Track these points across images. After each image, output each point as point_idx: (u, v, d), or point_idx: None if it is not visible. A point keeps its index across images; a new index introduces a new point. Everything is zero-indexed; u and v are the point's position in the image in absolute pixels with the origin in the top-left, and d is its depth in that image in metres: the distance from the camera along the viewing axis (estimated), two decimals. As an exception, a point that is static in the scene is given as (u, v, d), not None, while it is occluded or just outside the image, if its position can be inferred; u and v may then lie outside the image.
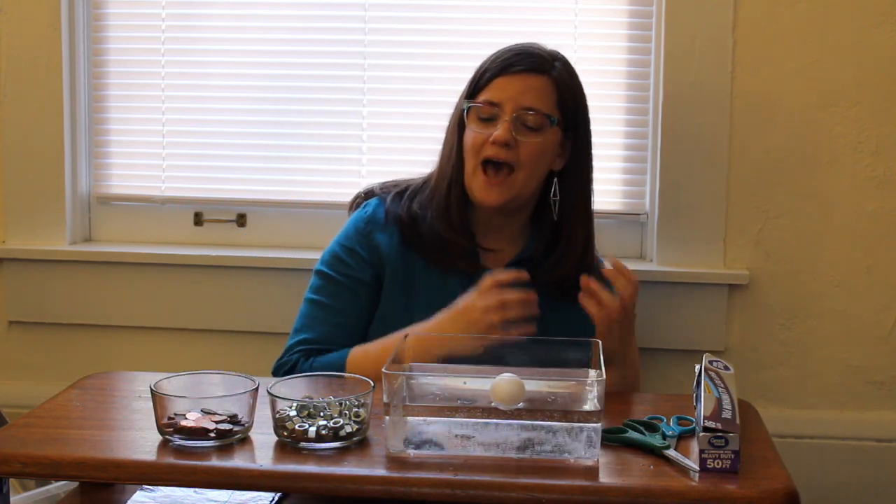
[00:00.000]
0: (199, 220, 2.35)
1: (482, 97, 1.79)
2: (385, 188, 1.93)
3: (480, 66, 1.83)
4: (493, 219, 1.85)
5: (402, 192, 1.89)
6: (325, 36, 2.28)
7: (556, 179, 1.83)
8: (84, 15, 2.31)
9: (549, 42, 2.21)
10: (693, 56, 2.13)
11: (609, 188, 2.25)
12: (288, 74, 2.29)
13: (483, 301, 1.68)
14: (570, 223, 1.84)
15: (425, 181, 1.89)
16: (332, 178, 2.28)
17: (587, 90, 2.20)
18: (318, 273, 1.87)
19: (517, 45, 1.83)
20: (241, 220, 2.33)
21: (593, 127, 2.21)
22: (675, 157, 2.16)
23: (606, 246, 2.24)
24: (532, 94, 1.77)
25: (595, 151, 2.22)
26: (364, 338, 1.83)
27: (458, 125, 1.84)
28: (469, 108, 1.80)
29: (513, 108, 1.76)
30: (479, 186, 1.78)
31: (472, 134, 1.79)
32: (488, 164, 1.77)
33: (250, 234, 2.33)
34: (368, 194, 1.94)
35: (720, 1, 2.11)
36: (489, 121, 1.78)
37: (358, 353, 1.76)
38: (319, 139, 2.30)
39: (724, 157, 2.15)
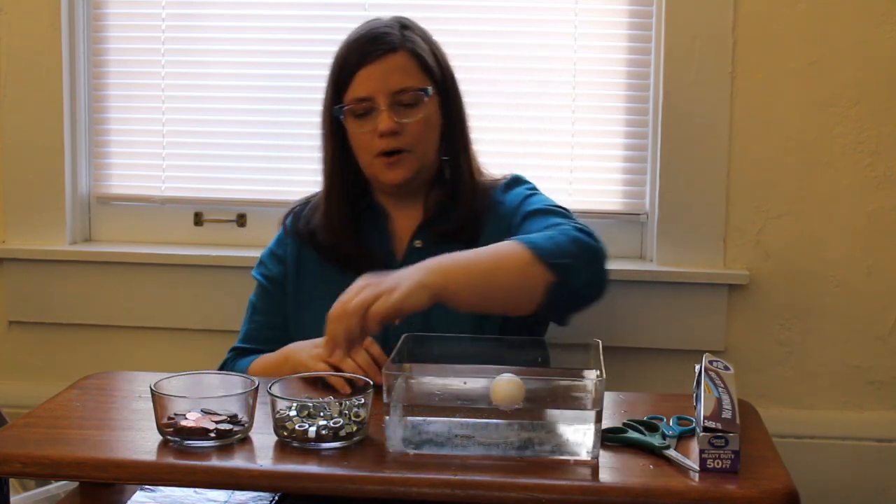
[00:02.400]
0: (199, 220, 2.35)
1: (350, 96, 1.77)
2: (301, 202, 1.95)
3: (336, 66, 1.81)
4: (399, 197, 1.85)
5: (301, 208, 1.91)
6: (325, 36, 2.27)
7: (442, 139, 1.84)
8: (84, 15, 2.31)
9: (549, 42, 2.23)
10: (693, 56, 2.13)
11: (609, 188, 2.25)
12: (288, 74, 2.29)
13: (316, 351, 1.65)
14: (458, 173, 1.84)
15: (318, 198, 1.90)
16: (332, 178, 2.28)
17: (587, 90, 2.23)
18: (254, 275, 1.94)
19: (361, 32, 1.81)
20: (241, 220, 2.33)
21: (593, 127, 2.24)
22: (675, 157, 2.16)
23: (606, 246, 2.25)
24: (398, 75, 1.76)
25: (595, 151, 2.25)
26: (287, 333, 1.86)
27: (332, 133, 1.83)
28: (343, 112, 1.79)
29: (385, 96, 1.75)
30: (381, 171, 1.78)
31: (356, 134, 1.79)
32: (382, 155, 1.78)
33: (250, 234, 2.33)
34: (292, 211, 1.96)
35: (720, 1, 2.11)
36: (366, 115, 1.77)
37: (257, 363, 1.80)
38: (319, 139, 2.30)
39: (724, 157, 2.15)
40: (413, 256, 1.82)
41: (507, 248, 1.59)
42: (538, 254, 1.57)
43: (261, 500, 1.52)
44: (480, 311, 1.58)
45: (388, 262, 1.83)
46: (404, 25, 1.83)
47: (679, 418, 1.47)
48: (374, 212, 1.87)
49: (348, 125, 1.80)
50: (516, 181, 1.89)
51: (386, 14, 2.24)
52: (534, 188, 1.88)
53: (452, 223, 1.82)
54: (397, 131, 1.75)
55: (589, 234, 1.67)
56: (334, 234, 1.84)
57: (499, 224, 1.81)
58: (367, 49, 1.77)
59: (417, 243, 1.84)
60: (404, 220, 1.87)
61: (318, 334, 1.68)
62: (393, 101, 1.75)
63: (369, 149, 1.78)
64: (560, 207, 1.80)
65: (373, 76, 1.76)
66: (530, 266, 1.57)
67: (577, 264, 1.60)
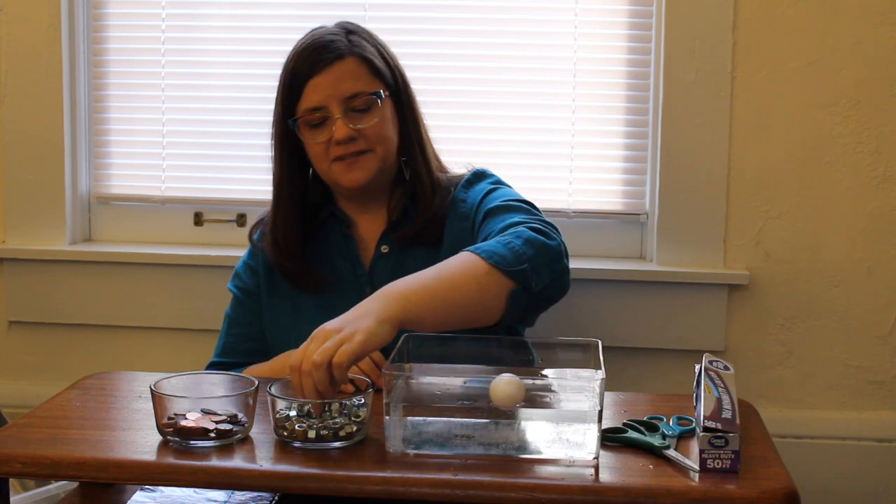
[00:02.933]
0: (199, 220, 2.35)
1: (303, 107, 1.76)
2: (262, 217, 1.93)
3: (285, 78, 1.79)
4: (363, 202, 1.84)
5: (260, 223, 1.90)
6: (325, 36, 2.27)
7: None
8: (84, 15, 2.31)
9: (549, 42, 2.23)
10: (693, 56, 2.13)
11: (609, 188, 2.25)
12: (288, 74, 2.29)
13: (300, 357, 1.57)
14: (417, 174, 1.83)
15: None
16: (332, 178, 2.28)
17: (587, 90, 2.23)
18: (230, 288, 1.93)
19: (307, 42, 1.79)
20: (241, 220, 2.33)
21: (593, 127, 2.23)
22: (675, 157, 2.16)
23: (606, 246, 2.25)
24: (348, 82, 1.75)
25: (595, 151, 2.25)
26: (265, 345, 1.86)
27: (284, 145, 1.81)
28: (296, 124, 1.77)
29: (338, 104, 1.74)
30: (341, 174, 1.77)
31: (312, 145, 1.77)
32: (340, 159, 1.76)
33: (250, 234, 2.33)
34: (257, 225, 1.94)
35: (720, 1, 2.11)
36: (321, 125, 1.76)
37: (248, 373, 1.78)
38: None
39: (724, 157, 2.15)
40: (381, 262, 1.83)
41: (462, 262, 1.56)
42: (494, 263, 1.54)
43: (261, 500, 1.52)
44: (446, 330, 1.54)
45: (355, 268, 1.83)
46: (350, 31, 1.81)
47: (679, 418, 1.47)
48: (338, 220, 1.86)
49: (304, 136, 1.78)
50: (478, 176, 1.86)
51: (382, 14, 2.25)
52: (497, 181, 1.85)
53: (415, 225, 1.81)
54: (354, 137, 1.74)
55: (545, 232, 1.63)
56: (279, 252, 1.83)
57: (461, 223, 1.80)
58: (314, 58, 1.75)
59: (384, 248, 1.83)
60: (369, 226, 1.85)
61: (295, 345, 1.68)
62: (346, 107, 1.74)
63: (326, 157, 1.77)
64: (521, 202, 1.75)
65: (323, 85, 1.75)
66: (488, 276, 1.54)
67: (535, 267, 1.57)
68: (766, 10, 2.11)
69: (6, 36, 2.27)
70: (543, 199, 1.90)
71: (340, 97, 1.74)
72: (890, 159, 2.13)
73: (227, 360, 1.87)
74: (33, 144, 2.29)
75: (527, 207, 1.73)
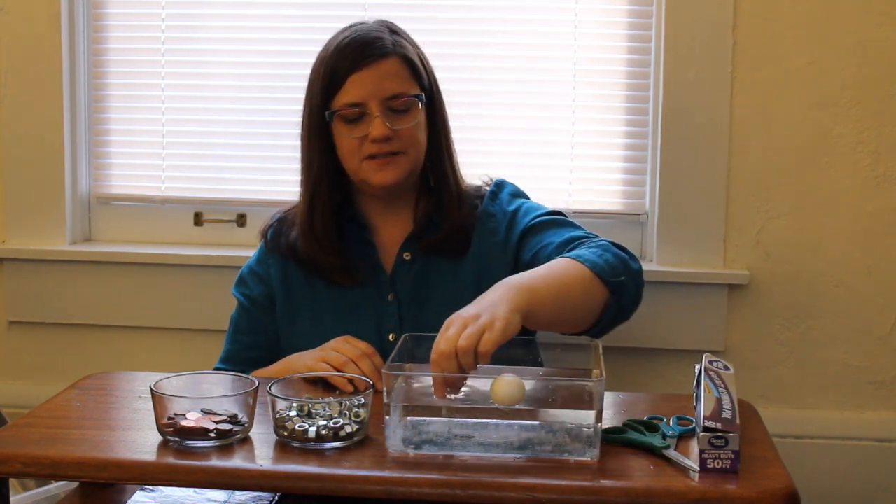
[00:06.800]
0: (199, 220, 2.35)
1: (342, 100, 1.74)
2: (280, 214, 1.91)
3: (324, 71, 1.76)
4: (387, 206, 1.83)
5: (280, 223, 1.88)
6: (325, 36, 2.26)
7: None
8: (84, 15, 2.31)
9: (549, 42, 2.23)
10: (693, 56, 2.13)
11: (609, 188, 2.25)
12: (287, 74, 2.29)
13: (320, 354, 1.67)
14: (443, 183, 1.82)
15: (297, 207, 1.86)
16: (332, 178, 2.28)
17: (587, 90, 2.23)
18: (234, 294, 1.91)
19: (351, 36, 1.77)
20: (241, 220, 2.34)
21: (593, 127, 2.24)
22: (675, 157, 2.16)
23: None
24: (391, 81, 1.74)
25: (595, 151, 2.25)
26: (276, 351, 1.83)
27: (318, 138, 1.79)
28: (333, 116, 1.76)
29: (378, 102, 1.72)
30: (372, 173, 1.75)
31: (345, 140, 1.76)
32: (372, 158, 1.75)
33: (250, 234, 2.33)
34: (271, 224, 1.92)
35: (720, 1, 2.11)
36: (357, 121, 1.74)
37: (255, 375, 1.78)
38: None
39: (724, 157, 2.15)
40: (402, 268, 1.82)
41: (567, 267, 1.59)
42: (596, 272, 1.58)
43: (261, 500, 1.52)
44: (550, 329, 1.58)
45: (377, 273, 1.82)
46: (392, 30, 1.80)
47: (679, 418, 1.47)
48: (358, 224, 1.84)
49: (336, 130, 1.77)
50: (500, 187, 1.87)
51: (383, 14, 2.24)
52: (518, 191, 1.87)
53: (441, 235, 1.80)
54: (390, 137, 1.73)
55: (628, 251, 1.68)
56: (317, 244, 1.80)
57: (492, 237, 1.80)
58: (359, 53, 1.74)
59: (406, 255, 1.82)
60: (391, 232, 1.84)
61: (311, 347, 1.69)
62: (386, 107, 1.73)
63: (358, 153, 1.75)
64: (560, 213, 1.79)
65: (365, 81, 1.73)
66: (591, 283, 1.58)
67: (627, 282, 1.62)
68: (766, 10, 2.11)
69: (6, 35, 2.27)
70: (543, 200, 1.90)
71: (382, 96, 1.73)
72: (890, 159, 2.13)
73: (231, 367, 1.84)
74: (33, 144, 2.29)
75: (576, 223, 1.76)
